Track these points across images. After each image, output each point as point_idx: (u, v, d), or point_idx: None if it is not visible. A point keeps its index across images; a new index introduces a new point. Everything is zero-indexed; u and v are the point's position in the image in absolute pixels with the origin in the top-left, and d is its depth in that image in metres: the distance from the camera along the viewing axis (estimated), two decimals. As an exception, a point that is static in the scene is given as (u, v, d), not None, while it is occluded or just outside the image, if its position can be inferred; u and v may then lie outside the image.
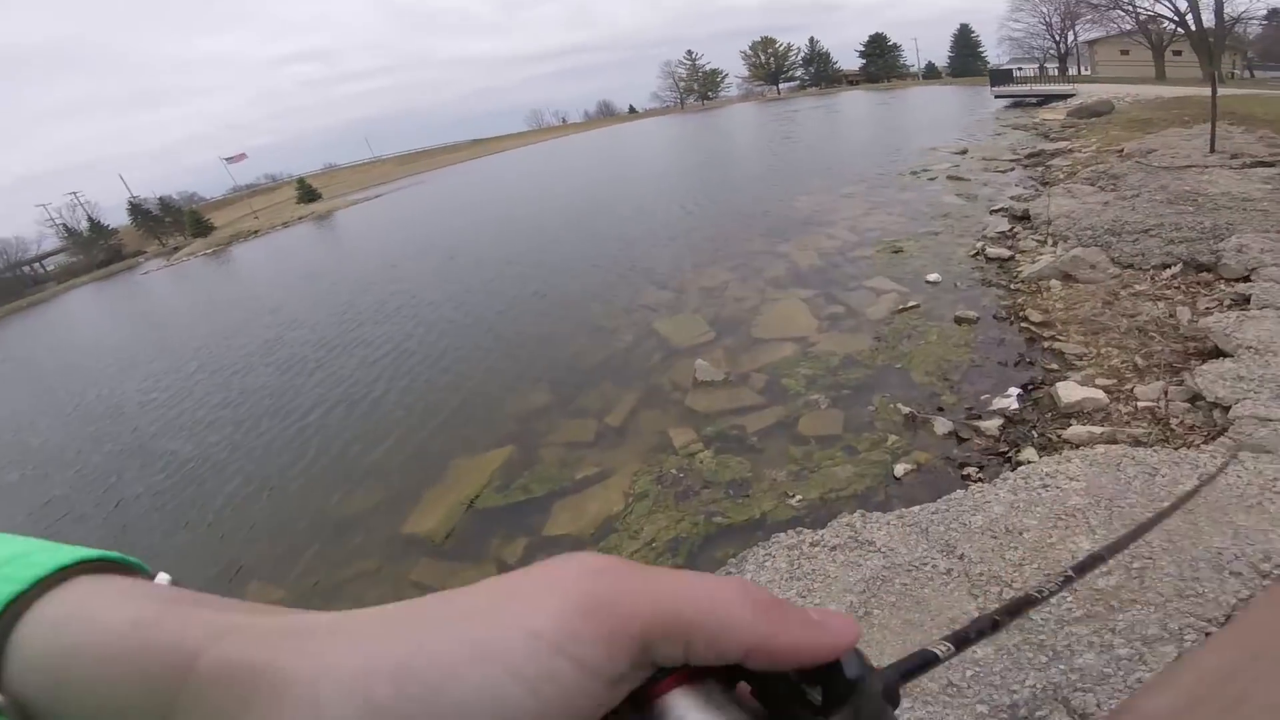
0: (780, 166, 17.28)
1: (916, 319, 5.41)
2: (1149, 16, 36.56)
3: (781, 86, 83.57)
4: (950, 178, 11.67)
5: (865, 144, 19.36)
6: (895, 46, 77.15)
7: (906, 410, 4.12)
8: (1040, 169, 11.55)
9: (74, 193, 65.09)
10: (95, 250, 57.65)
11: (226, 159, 68.77)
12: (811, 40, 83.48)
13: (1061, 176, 10.00)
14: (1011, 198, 9.18)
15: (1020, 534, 2.50)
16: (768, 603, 0.22)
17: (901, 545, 2.61)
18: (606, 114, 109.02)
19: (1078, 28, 47.17)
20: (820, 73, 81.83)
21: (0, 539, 0.23)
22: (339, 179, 74.43)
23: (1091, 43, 46.27)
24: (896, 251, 7.37)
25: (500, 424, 5.47)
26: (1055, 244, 6.22)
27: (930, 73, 74.28)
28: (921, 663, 0.27)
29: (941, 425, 3.94)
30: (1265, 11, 35.43)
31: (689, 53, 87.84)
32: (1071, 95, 23.96)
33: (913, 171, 12.89)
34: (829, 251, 8.00)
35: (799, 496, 3.56)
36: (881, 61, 76.27)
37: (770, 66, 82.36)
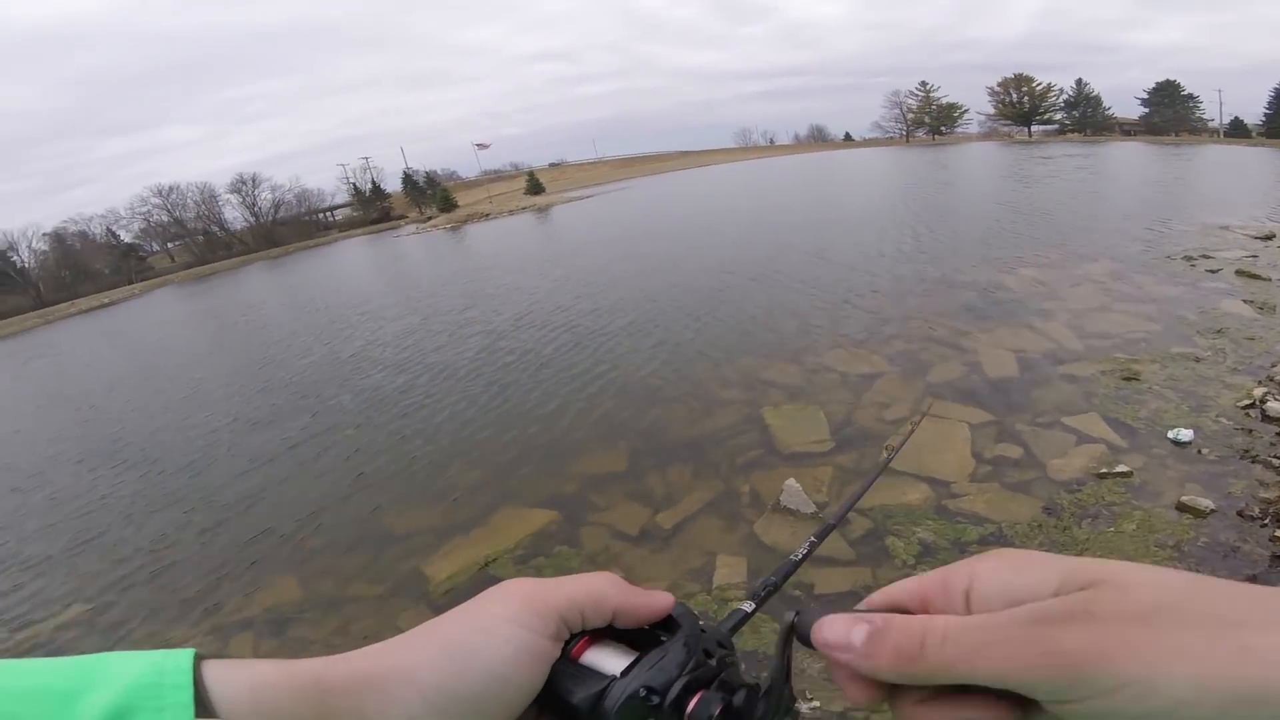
0: (1010, 220, 14.32)
1: (1120, 492, 3.73)
2: None
3: (1034, 129, 72.97)
4: (1241, 273, 8.63)
5: (1131, 207, 15.33)
6: (1190, 96, 63.03)
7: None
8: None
9: (365, 158, 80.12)
10: (371, 209, 69.90)
11: (476, 144, 79.14)
12: (1079, 82, 71.28)
13: None
14: (1333, 320, 6.44)
15: None
16: (624, 584, 0.38)
17: None
18: (818, 139, 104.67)
19: None
20: (1086, 117, 69.81)
21: (104, 658, 0.31)
22: (566, 175, 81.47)
23: None
24: (1129, 378, 5.28)
25: (562, 480, 5.03)
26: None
27: (1236, 129, 59.17)
28: (739, 619, 0.40)
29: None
30: None
31: (923, 83, 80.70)
32: None
33: (1187, 256, 9.80)
34: (1032, 357, 6.00)
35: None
36: (1170, 111, 62.84)
37: (1024, 106, 72.23)
